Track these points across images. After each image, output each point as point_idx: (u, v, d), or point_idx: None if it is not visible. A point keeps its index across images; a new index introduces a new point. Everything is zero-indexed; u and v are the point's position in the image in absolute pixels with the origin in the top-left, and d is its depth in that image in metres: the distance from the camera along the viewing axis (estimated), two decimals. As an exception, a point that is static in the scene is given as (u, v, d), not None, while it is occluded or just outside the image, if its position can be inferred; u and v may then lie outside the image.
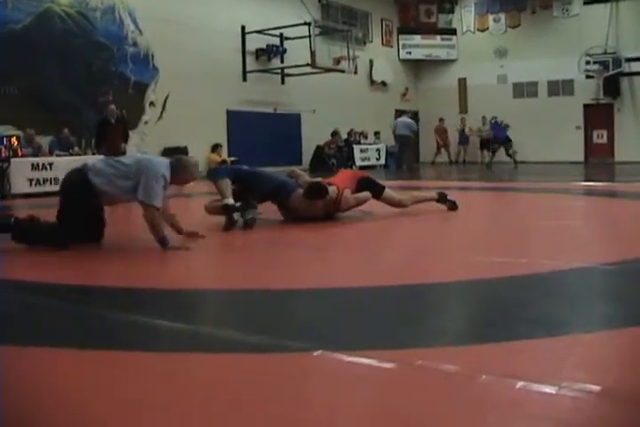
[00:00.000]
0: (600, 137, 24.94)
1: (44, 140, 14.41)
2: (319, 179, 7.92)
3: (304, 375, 2.51)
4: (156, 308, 3.66)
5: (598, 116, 24.61)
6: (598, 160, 23.21)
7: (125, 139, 14.00)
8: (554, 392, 2.19)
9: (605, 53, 24.18)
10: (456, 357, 2.60)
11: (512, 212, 8.63)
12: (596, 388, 2.23)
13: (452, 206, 8.11)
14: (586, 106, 24.69)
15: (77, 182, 5.73)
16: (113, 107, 14.22)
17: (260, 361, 2.64)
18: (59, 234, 5.68)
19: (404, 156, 21.41)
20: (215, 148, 18.39)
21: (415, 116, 25.14)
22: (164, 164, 5.77)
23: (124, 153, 12.48)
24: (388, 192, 7.92)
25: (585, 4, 24.81)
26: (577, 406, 2.13)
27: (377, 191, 7.82)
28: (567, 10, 25.33)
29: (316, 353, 2.63)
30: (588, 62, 24.49)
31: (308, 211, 7.30)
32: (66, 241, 5.64)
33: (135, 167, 5.69)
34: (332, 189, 7.32)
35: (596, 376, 2.38)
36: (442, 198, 8.18)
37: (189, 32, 18.13)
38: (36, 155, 13.50)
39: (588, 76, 24.63)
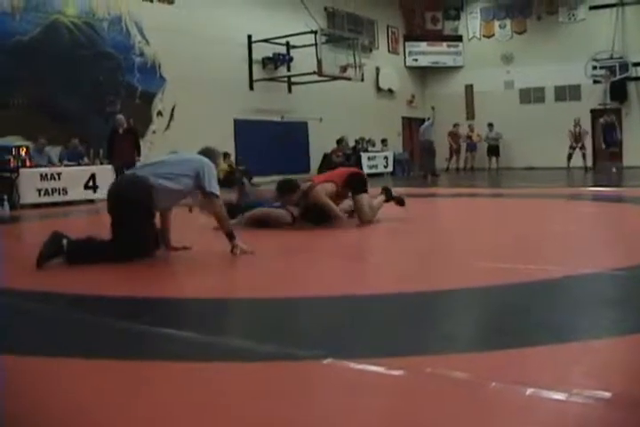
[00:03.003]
0: (608, 142, 24.90)
1: (54, 151, 14.46)
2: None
3: (314, 383, 2.51)
4: (166, 317, 3.67)
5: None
6: (607, 165, 23.12)
7: (137, 149, 14.02)
8: (564, 399, 2.19)
9: (612, 58, 24.15)
10: (465, 364, 2.60)
11: (519, 218, 8.61)
12: (607, 394, 2.22)
13: (400, 202, 8.17)
14: (593, 111, 24.63)
15: (138, 186, 5.52)
16: (120, 116, 14.27)
17: (270, 370, 2.64)
18: (119, 250, 5.44)
19: (427, 162, 21.10)
20: (224, 157, 18.41)
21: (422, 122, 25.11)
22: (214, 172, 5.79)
23: (133, 164, 12.50)
24: (364, 197, 7.80)
25: (591, 8, 24.79)
26: (587, 413, 2.13)
27: (356, 191, 7.77)
28: (573, 15, 25.32)
29: (325, 361, 2.64)
30: (594, 67, 24.47)
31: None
32: (125, 256, 5.42)
33: (187, 163, 5.70)
34: (305, 185, 7.62)
35: (606, 383, 2.38)
36: (388, 196, 8.20)
37: (196, 42, 18.17)
38: (47, 165, 13.54)
39: (595, 81, 24.61)
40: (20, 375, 2.69)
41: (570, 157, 22.14)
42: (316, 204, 7.60)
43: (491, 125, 25.15)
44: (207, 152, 6.02)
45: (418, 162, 26.08)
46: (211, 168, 5.72)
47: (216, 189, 5.65)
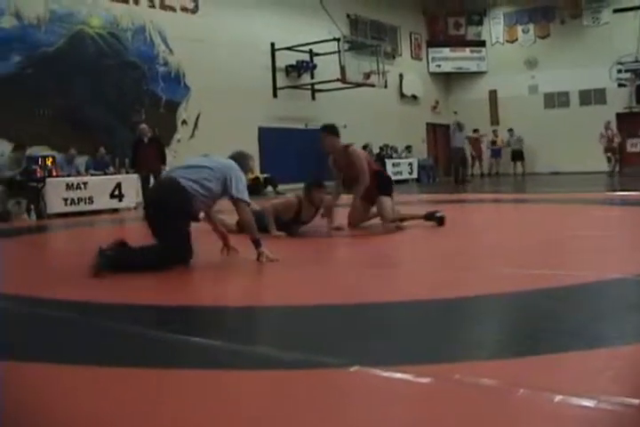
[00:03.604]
0: (634, 146, 24.74)
1: (80, 160, 14.58)
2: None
3: (341, 391, 2.50)
4: (192, 325, 3.68)
5: (632, 124, 24.38)
6: (633, 169, 22.95)
7: (162, 159, 14.08)
8: (592, 406, 2.17)
9: (637, 61, 24.00)
10: (493, 371, 2.58)
11: (546, 223, 8.56)
12: (635, 401, 2.20)
13: (440, 222, 7.81)
14: (619, 115, 24.48)
15: (175, 190, 5.48)
16: (144, 126, 14.35)
17: (296, 378, 2.64)
18: (164, 256, 5.40)
19: (459, 168, 20.69)
20: (248, 164, 18.45)
21: (448, 128, 25.03)
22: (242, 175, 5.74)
23: (159, 172, 12.57)
24: (388, 200, 7.79)
25: (615, 11, 24.67)
26: (616, 420, 2.11)
27: (381, 191, 7.78)
28: (597, 18, 25.22)
29: (352, 369, 2.62)
30: (619, 71, 24.35)
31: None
32: (170, 262, 5.40)
33: (216, 167, 5.61)
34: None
35: (635, 389, 2.35)
36: (429, 216, 7.92)
37: (219, 50, 18.29)
38: (73, 174, 13.65)
39: (620, 85, 24.49)
40: (43, 383, 2.70)
41: (609, 160, 21.97)
42: (352, 163, 7.67)
43: (511, 130, 25.06)
44: (238, 157, 5.94)
45: (443, 168, 26.08)
46: (239, 173, 5.65)
47: (244, 194, 5.58)
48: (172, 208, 5.47)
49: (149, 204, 5.84)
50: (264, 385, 2.58)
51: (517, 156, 25.02)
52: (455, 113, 19.59)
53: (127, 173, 14.70)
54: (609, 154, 21.97)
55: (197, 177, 5.54)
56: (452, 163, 21.20)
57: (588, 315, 3.48)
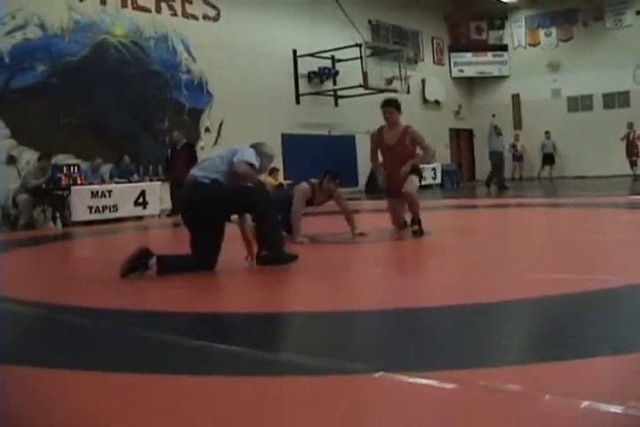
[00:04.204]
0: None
1: (105, 168, 14.68)
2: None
3: (366, 397, 2.50)
4: (217, 332, 3.69)
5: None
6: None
7: (191, 164, 14.16)
8: (620, 412, 2.15)
9: (661, 64, 23.87)
10: (519, 376, 2.57)
11: (572, 227, 8.51)
12: (664, 406, 2.18)
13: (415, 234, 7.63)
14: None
15: (195, 187, 5.61)
16: (176, 133, 14.51)
17: (321, 384, 2.63)
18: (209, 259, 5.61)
19: (494, 173, 20.27)
20: (272, 171, 18.50)
21: (471, 133, 24.97)
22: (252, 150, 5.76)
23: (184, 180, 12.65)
24: (416, 179, 7.96)
25: (638, 13, 24.53)
26: (645, 426, 2.09)
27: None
28: (620, 21, 25.06)
29: (377, 375, 2.62)
30: (643, 73, 24.20)
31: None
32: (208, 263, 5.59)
33: (226, 153, 5.71)
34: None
35: (664, 394, 2.33)
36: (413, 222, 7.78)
37: (242, 58, 18.37)
38: (98, 182, 13.75)
39: (644, 87, 24.33)
40: (64, 389, 2.71)
41: (633, 163, 21.61)
42: (410, 141, 8.00)
43: (547, 133, 24.77)
44: (254, 144, 6.00)
45: (467, 174, 25.96)
46: (248, 150, 5.69)
47: (250, 158, 5.56)
48: (200, 206, 5.58)
49: (182, 208, 5.98)
50: (289, 391, 2.58)
51: (549, 159, 24.74)
52: (493, 116, 19.12)
53: (151, 180, 14.79)
54: (634, 158, 21.65)
55: (210, 166, 5.67)
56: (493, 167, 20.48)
57: (614, 320, 3.46)
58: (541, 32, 26.96)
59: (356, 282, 5.25)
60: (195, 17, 17.89)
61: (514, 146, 25.56)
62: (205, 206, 5.57)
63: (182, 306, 4.41)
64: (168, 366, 3.00)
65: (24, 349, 3.51)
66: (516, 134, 25.92)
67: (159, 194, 14.25)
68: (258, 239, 5.72)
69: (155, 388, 2.69)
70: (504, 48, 27.67)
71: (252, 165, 5.56)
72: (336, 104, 21.59)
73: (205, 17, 18.18)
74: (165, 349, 3.31)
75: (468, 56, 27.61)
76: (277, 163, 18.89)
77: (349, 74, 20.17)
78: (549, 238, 7.45)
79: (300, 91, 20.55)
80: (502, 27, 27.85)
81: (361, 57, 19.18)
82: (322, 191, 7.82)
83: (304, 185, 7.84)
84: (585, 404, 2.21)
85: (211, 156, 6.02)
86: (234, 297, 4.96)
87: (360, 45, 19.33)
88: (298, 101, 20.52)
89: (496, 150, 20.23)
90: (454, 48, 27.65)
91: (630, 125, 21.61)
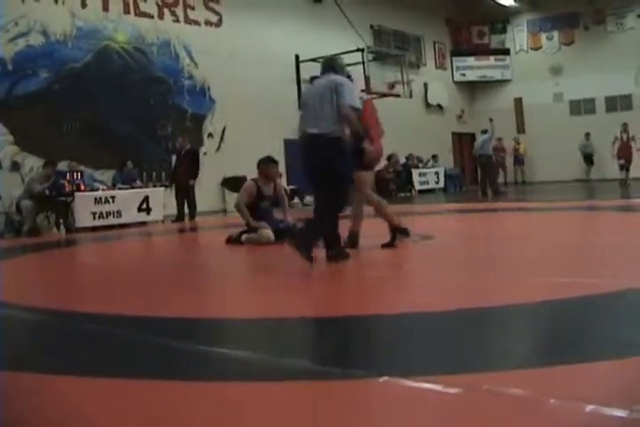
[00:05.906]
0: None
1: (107, 174, 14.71)
2: None
3: (370, 402, 2.50)
4: (218, 337, 3.69)
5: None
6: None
7: (193, 172, 14.19)
8: (625, 416, 2.15)
9: (663, 67, 23.86)
10: (523, 380, 2.57)
11: (575, 230, 8.50)
12: (669, 410, 2.18)
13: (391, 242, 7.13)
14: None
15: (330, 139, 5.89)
16: (181, 139, 14.57)
17: (325, 388, 2.63)
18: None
19: (486, 178, 19.21)
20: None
21: (474, 137, 24.84)
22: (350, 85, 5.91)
23: (191, 187, 12.73)
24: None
25: (639, 17, 24.52)
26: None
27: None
28: (621, 24, 25.06)
29: (381, 379, 2.62)
30: (645, 76, 24.19)
31: None
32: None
33: (328, 92, 5.92)
34: None
35: (668, 398, 2.33)
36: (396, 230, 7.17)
37: (244, 63, 18.38)
38: (100, 188, 13.76)
39: (646, 90, 24.32)
40: (67, 396, 2.72)
41: (622, 168, 20.36)
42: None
43: (587, 134, 24.43)
44: (330, 63, 6.14)
45: (470, 178, 25.92)
46: (346, 84, 5.76)
47: (355, 101, 5.73)
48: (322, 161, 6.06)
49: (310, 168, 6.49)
50: (293, 396, 2.58)
51: (588, 159, 24.41)
52: (491, 120, 19.01)
53: (154, 186, 14.81)
54: (622, 161, 20.34)
55: (327, 116, 5.96)
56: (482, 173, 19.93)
57: (618, 324, 3.45)
58: (543, 36, 26.96)
59: (358, 287, 5.25)
60: (197, 23, 17.93)
61: (516, 149, 25.54)
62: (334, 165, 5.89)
63: (181, 311, 4.41)
64: (168, 371, 2.99)
65: (27, 355, 3.51)
66: (515, 138, 25.92)
67: (163, 200, 14.27)
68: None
69: (154, 394, 2.69)
70: (506, 52, 27.68)
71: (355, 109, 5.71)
72: (338, 109, 21.55)
73: (208, 23, 18.21)
74: (164, 354, 3.30)
75: (471, 60, 27.62)
76: (280, 168, 18.88)
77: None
78: (551, 242, 7.44)
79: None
80: (504, 31, 27.87)
81: (363, 62, 19.16)
82: (265, 178, 8.74)
83: (247, 183, 8.69)
84: (589, 408, 2.21)
85: (310, 95, 6.39)
86: (235, 302, 4.95)
87: (362, 50, 19.31)
88: (300, 107, 20.49)
89: (487, 153, 19.52)
90: (456, 52, 27.67)
91: (624, 126, 20.88)
